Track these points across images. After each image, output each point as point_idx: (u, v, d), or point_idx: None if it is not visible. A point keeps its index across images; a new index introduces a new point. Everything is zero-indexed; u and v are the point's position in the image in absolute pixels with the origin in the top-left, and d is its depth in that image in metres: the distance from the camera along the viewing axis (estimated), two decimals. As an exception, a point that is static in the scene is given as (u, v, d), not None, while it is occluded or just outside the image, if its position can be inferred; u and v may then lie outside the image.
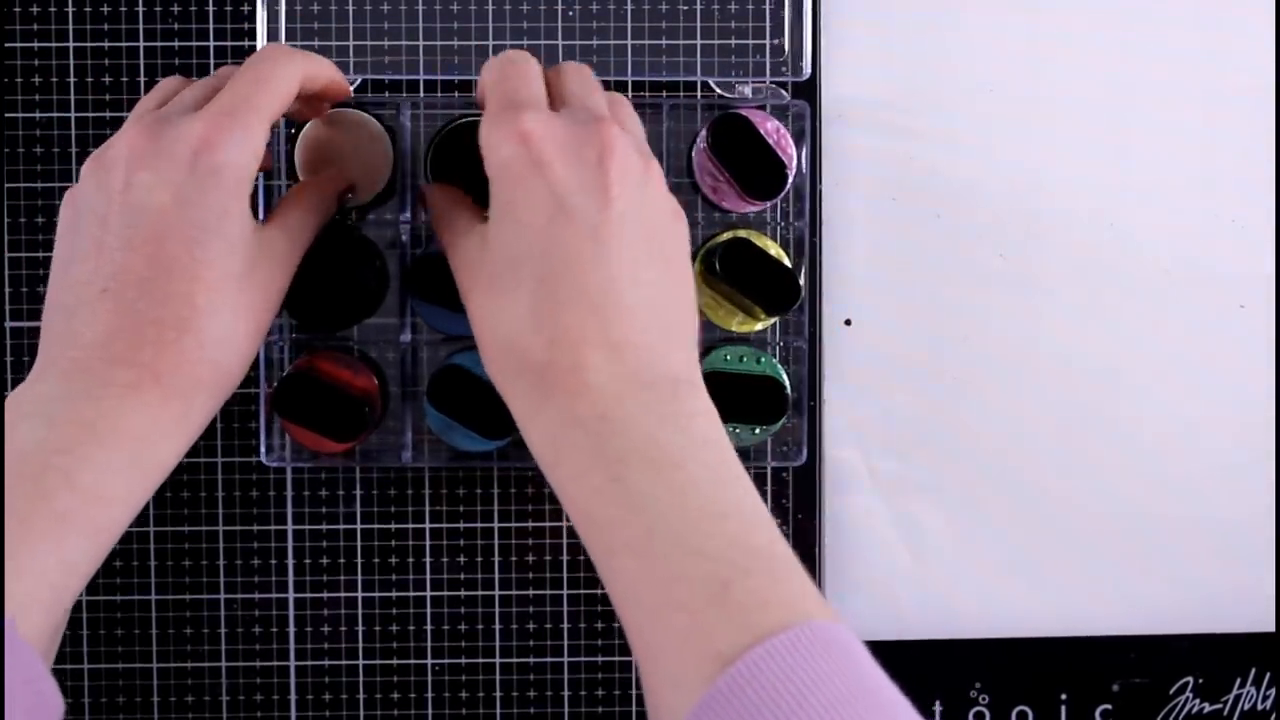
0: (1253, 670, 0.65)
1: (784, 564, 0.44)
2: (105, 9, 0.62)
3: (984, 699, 0.64)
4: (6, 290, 0.62)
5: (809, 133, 0.60)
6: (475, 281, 0.48)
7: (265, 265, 0.49)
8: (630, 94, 0.62)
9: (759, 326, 0.61)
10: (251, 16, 0.62)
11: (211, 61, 0.62)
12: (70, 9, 0.62)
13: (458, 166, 0.57)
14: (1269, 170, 0.64)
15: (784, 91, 0.61)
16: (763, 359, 0.60)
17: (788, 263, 0.59)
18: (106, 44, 0.62)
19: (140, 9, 0.62)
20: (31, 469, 0.44)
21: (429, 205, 0.54)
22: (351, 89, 0.55)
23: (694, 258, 0.60)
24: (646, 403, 0.46)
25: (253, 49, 0.62)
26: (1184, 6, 0.64)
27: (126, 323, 0.46)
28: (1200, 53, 0.64)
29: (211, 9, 0.62)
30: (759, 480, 0.63)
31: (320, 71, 0.52)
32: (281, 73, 0.50)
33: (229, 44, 0.62)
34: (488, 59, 0.51)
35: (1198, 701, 0.65)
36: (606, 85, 0.61)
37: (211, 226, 0.47)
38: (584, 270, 0.46)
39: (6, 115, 0.62)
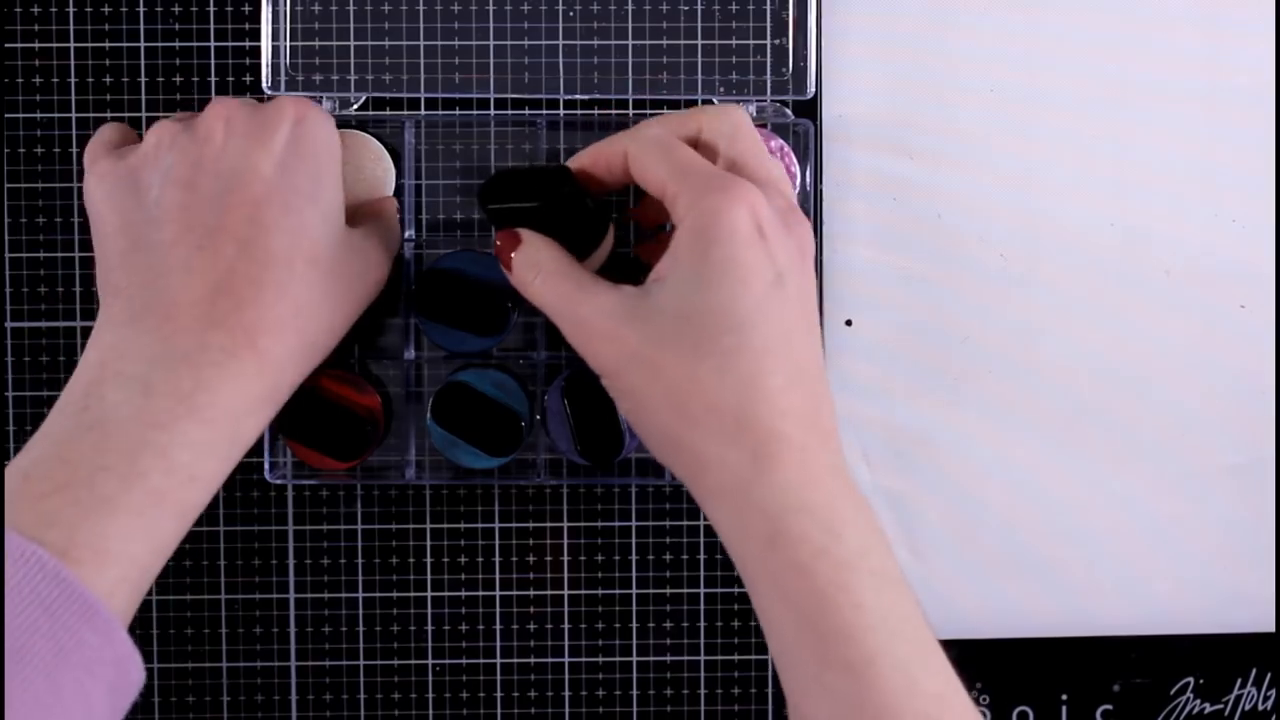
0: (1253, 670, 0.65)
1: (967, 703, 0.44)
2: (105, 9, 0.62)
3: (984, 699, 0.65)
4: (7, 290, 0.62)
5: (812, 152, 0.60)
6: (660, 347, 0.45)
7: (356, 255, 0.50)
8: (633, 112, 0.62)
9: None
10: (254, 17, 0.62)
11: (212, 62, 0.62)
12: (70, 9, 0.62)
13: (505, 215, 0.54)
14: (1269, 170, 0.64)
15: (788, 110, 0.61)
16: None
17: None
18: (107, 44, 0.62)
19: (140, 9, 0.62)
20: (128, 443, 0.43)
21: (514, 255, 0.51)
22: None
23: None
24: (853, 503, 0.45)
25: (256, 50, 0.62)
26: (1184, 6, 0.64)
27: (225, 281, 0.46)
28: (1200, 52, 0.64)
29: (212, 9, 0.62)
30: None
31: None
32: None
33: (229, 44, 0.62)
34: (650, 142, 0.50)
35: (1198, 702, 0.65)
36: (609, 105, 0.62)
37: (309, 195, 0.48)
38: (797, 348, 0.46)
39: (6, 115, 0.62)
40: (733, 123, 0.50)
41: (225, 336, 0.45)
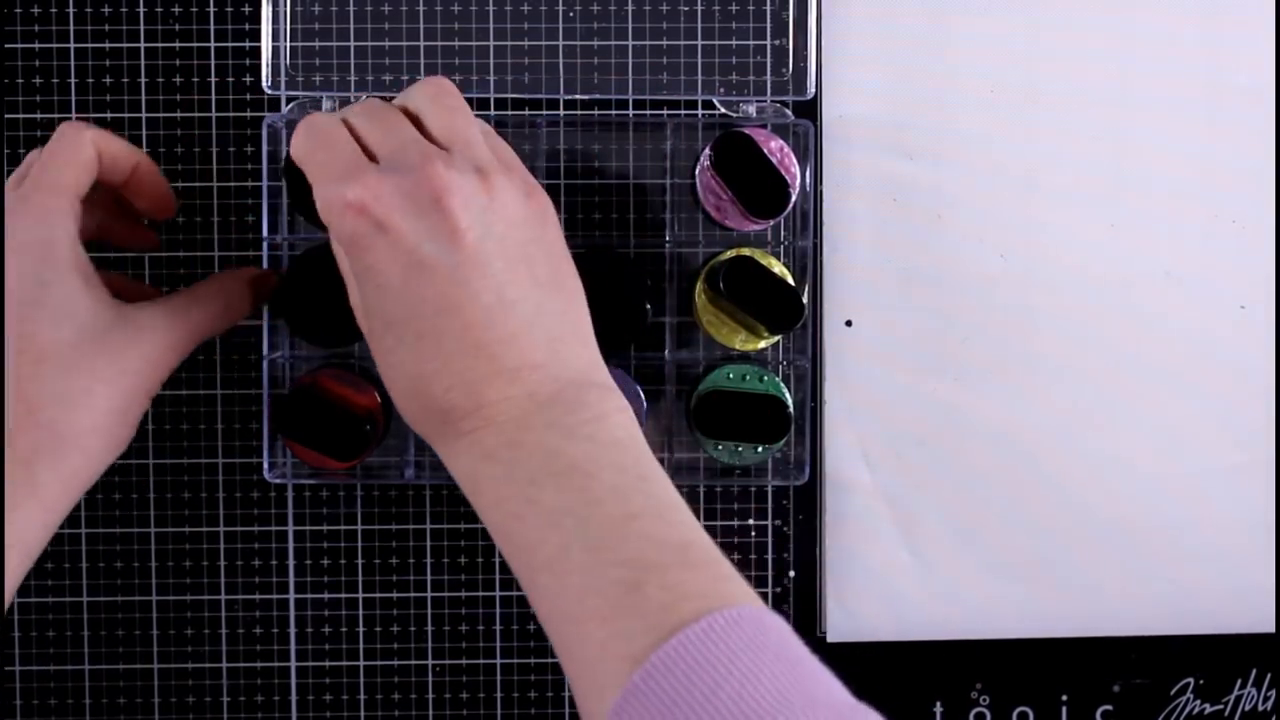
0: (1253, 671, 0.65)
1: (698, 552, 0.45)
2: (105, 9, 0.62)
3: (984, 699, 0.65)
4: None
5: (812, 152, 0.60)
6: (369, 338, 0.49)
7: (118, 334, 0.50)
8: (632, 112, 0.62)
9: (761, 344, 0.60)
10: (254, 17, 0.62)
11: (212, 62, 0.62)
12: (70, 9, 0.62)
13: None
14: (1269, 170, 0.64)
15: (787, 110, 0.61)
16: (765, 377, 0.59)
17: (791, 281, 0.58)
18: (107, 44, 0.62)
19: (140, 9, 0.62)
20: None
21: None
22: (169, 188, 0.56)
23: (697, 276, 0.60)
24: (551, 419, 0.46)
25: (256, 50, 0.62)
26: (1184, 7, 0.64)
27: None
28: (1200, 53, 0.64)
29: (212, 10, 0.62)
30: (759, 492, 0.63)
31: (116, 148, 0.53)
32: (70, 144, 0.51)
33: (229, 45, 0.62)
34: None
35: (1198, 702, 0.65)
36: (609, 105, 0.62)
37: (29, 300, 0.49)
38: (457, 313, 0.46)
39: (6, 115, 0.62)
40: (362, 108, 0.50)
41: None
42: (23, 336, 0.48)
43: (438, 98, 0.50)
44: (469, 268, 0.46)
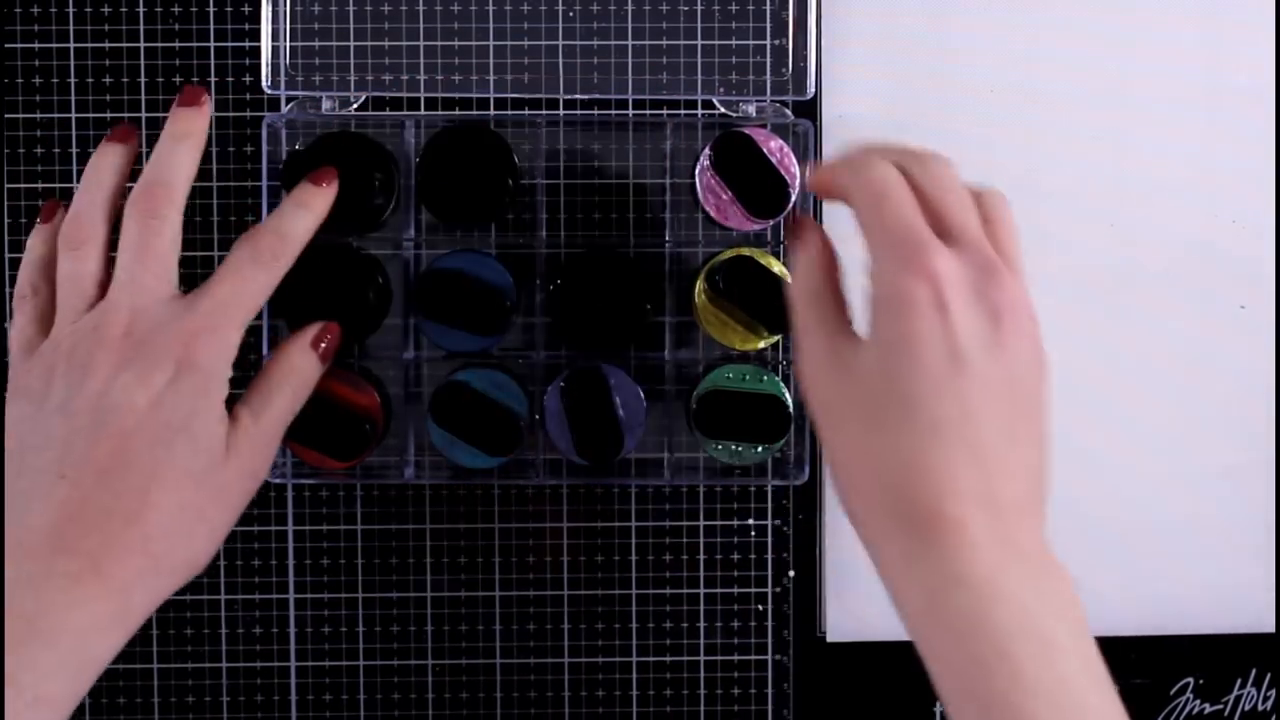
0: (1253, 670, 0.65)
1: None
2: (105, 9, 0.62)
3: (984, 699, 0.64)
4: (7, 290, 0.62)
5: (812, 152, 0.60)
6: (847, 407, 0.47)
7: (232, 463, 0.51)
8: (632, 112, 0.62)
9: (761, 344, 0.60)
10: (254, 17, 0.62)
11: (212, 62, 0.62)
12: (70, 9, 0.62)
13: (450, 173, 0.57)
14: (1269, 170, 0.64)
15: (787, 110, 0.61)
16: (765, 377, 0.59)
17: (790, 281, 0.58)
18: (107, 44, 0.62)
19: (140, 9, 0.62)
20: None
21: (798, 256, 0.51)
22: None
23: (697, 275, 0.60)
24: (1026, 574, 0.45)
25: (256, 50, 0.62)
26: (1184, 7, 0.64)
27: (77, 510, 0.47)
28: (1200, 53, 0.64)
29: (212, 10, 0.62)
30: (759, 492, 0.63)
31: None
32: (263, 279, 0.52)
33: (229, 44, 0.62)
34: (864, 157, 0.49)
35: (1198, 702, 0.65)
36: (609, 105, 0.62)
37: (179, 427, 0.49)
38: (978, 425, 0.45)
39: (6, 115, 0.62)
40: (933, 174, 0.49)
41: (70, 561, 0.47)
42: (161, 461, 0.49)
43: (999, 205, 0.49)
44: (1000, 386, 0.46)
